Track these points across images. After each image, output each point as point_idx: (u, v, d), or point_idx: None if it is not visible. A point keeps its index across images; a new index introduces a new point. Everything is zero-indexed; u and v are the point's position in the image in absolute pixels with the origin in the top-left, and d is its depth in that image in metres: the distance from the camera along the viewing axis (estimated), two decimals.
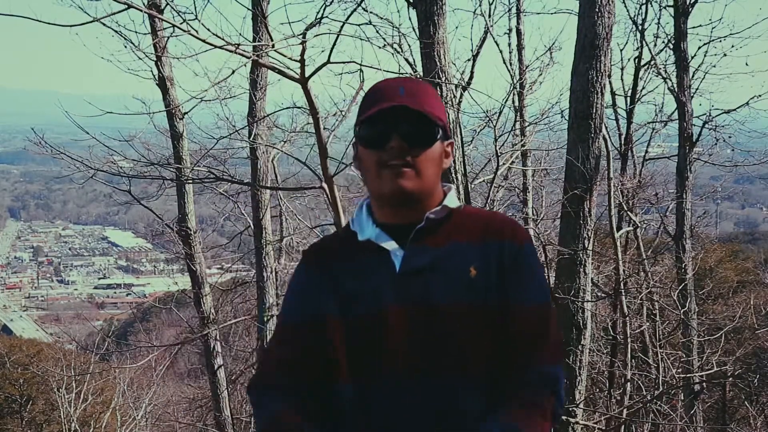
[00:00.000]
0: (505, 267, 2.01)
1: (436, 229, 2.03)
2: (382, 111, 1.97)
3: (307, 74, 6.04)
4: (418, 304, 1.96)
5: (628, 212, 12.17)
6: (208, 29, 5.95)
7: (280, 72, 6.23)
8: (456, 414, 1.95)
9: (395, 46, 8.04)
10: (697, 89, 13.84)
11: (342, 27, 6.39)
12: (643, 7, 13.86)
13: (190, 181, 10.95)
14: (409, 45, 8.19)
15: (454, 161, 7.78)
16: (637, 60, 14.25)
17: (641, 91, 14.35)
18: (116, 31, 9.83)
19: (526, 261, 2.04)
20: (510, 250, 2.02)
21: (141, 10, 7.21)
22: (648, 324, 11.25)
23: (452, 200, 2.08)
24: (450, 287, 1.97)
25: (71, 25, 6.12)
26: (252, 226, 11.87)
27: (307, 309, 2.07)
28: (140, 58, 10.27)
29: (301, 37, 6.02)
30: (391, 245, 2.02)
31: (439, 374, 1.95)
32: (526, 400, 1.95)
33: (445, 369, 1.95)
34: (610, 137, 11.05)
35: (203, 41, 5.89)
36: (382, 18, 7.98)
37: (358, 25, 7.19)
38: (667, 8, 13.72)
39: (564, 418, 7.56)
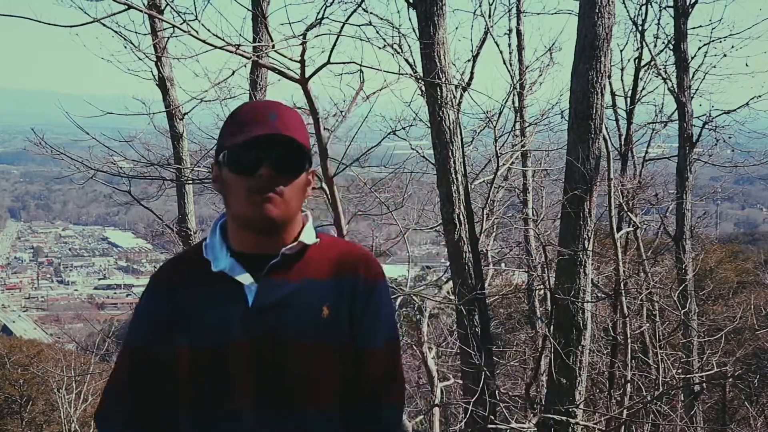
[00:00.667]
0: (356, 304, 2.00)
1: (291, 263, 2.01)
2: (257, 137, 1.92)
3: (307, 75, 6.04)
4: (267, 339, 1.94)
5: (628, 213, 12.17)
6: (209, 30, 5.96)
7: (280, 72, 6.23)
8: None
9: (395, 46, 8.04)
10: (697, 90, 13.86)
11: (342, 27, 6.39)
12: (643, 7, 13.88)
13: (190, 182, 10.94)
14: (409, 45, 8.19)
15: (454, 162, 7.79)
16: (637, 60, 14.26)
17: (641, 91, 14.36)
18: (116, 32, 9.83)
19: (379, 300, 2.04)
20: (363, 287, 2.02)
21: (141, 11, 7.21)
22: (648, 325, 11.24)
23: (309, 235, 2.06)
24: (301, 324, 1.96)
25: (71, 26, 6.12)
26: None
27: (150, 336, 2.04)
28: (140, 59, 10.26)
29: (301, 37, 6.02)
30: (245, 278, 1.98)
31: (285, 410, 1.95)
32: None
33: (290, 405, 1.94)
34: (610, 138, 11.05)
35: (203, 42, 5.89)
36: (382, 19, 7.99)
37: (359, 25, 7.20)
38: (667, 9, 13.75)
39: (564, 419, 7.56)
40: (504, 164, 9.97)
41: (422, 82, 7.86)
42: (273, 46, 6.38)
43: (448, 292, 10.00)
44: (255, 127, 1.94)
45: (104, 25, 8.66)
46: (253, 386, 1.94)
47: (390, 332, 2.06)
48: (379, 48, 7.63)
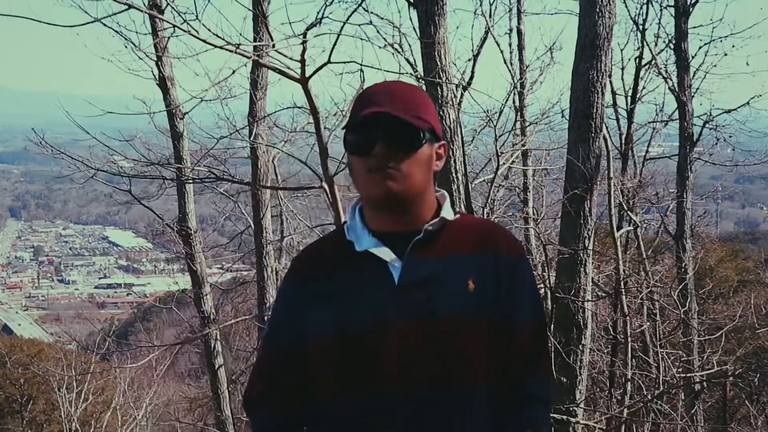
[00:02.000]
0: (501, 281, 2.02)
1: (433, 239, 2.03)
2: (366, 118, 1.98)
3: (307, 74, 6.04)
4: (420, 316, 1.95)
5: (629, 212, 12.17)
6: (209, 29, 5.96)
7: (281, 72, 6.23)
8: (461, 428, 1.95)
9: (396, 46, 8.04)
10: (697, 89, 13.86)
11: (342, 27, 6.39)
12: (644, 7, 13.88)
13: (191, 181, 10.95)
14: (409, 45, 8.19)
15: (455, 161, 7.78)
16: (637, 60, 14.26)
17: (642, 90, 14.36)
18: (117, 32, 9.85)
19: (524, 277, 2.07)
20: (506, 264, 2.04)
21: (141, 11, 7.22)
22: (648, 323, 11.24)
23: (448, 211, 2.08)
24: (451, 299, 1.97)
25: (72, 26, 6.12)
26: (252, 226, 11.87)
27: (294, 326, 2.07)
28: (141, 59, 10.27)
29: (301, 37, 6.02)
30: (389, 256, 2.00)
31: (445, 387, 1.94)
32: (528, 416, 2.03)
33: (452, 382, 1.95)
34: (610, 137, 11.06)
35: (204, 41, 5.90)
36: (382, 18, 7.98)
37: (359, 25, 7.19)
38: (667, 8, 13.74)
39: (564, 418, 7.56)
40: (504, 163, 9.96)
41: (423, 82, 7.86)
42: (273, 46, 6.38)
43: None
44: (369, 108, 1.98)
45: (105, 24, 8.70)
46: (405, 365, 1.94)
47: (538, 307, 2.09)
48: (380, 47, 7.64)
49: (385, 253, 2.00)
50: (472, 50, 10.04)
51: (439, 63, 7.35)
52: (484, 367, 1.97)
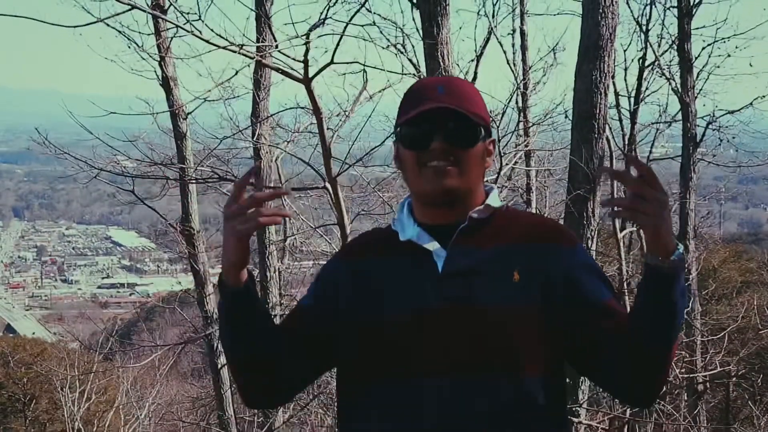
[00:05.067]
0: (562, 267, 1.97)
1: (478, 229, 2.00)
2: (423, 113, 1.95)
3: (310, 74, 6.05)
4: (462, 305, 1.93)
5: None
6: (212, 30, 5.97)
7: (284, 72, 6.24)
8: (503, 415, 1.91)
9: (399, 46, 8.04)
10: (701, 90, 13.85)
11: (345, 27, 6.39)
12: (647, 7, 13.87)
13: (194, 181, 10.96)
14: (412, 45, 8.19)
15: None
16: (641, 60, 14.24)
17: (645, 91, 14.34)
18: (120, 32, 9.87)
19: (585, 259, 2.03)
20: (565, 251, 2.00)
21: (144, 11, 7.24)
22: None
23: (495, 200, 2.05)
24: (494, 290, 1.93)
25: (75, 26, 6.14)
26: None
27: (328, 294, 2.07)
28: (144, 59, 10.29)
29: (304, 37, 6.02)
30: (433, 245, 1.98)
31: (480, 378, 1.91)
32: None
33: (485, 372, 1.91)
34: (613, 138, 11.06)
35: (207, 42, 5.91)
36: (385, 18, 7.98)
37: (362, 25, 7.19)
38: (671, 9, 13.74)
39: (568, 418, 7.55)
40: (507, 164, 9.95)
41: None
42: (276, 46, 6.39)
43: None
44: (424, 103, 1.95)
45: (108, 25, 8.69)
46: (445, 351, 1.91)
47: (611, 286, 2.04)
48: (383, 48, 7.64)
49: (430, 244, 1.98)
50: (475, 51, 10.05)
51: (442, 63, 7.34)
52: (527, 359, 1.92)
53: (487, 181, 9.70)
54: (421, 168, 1.96)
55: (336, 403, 2.13)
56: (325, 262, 2.23)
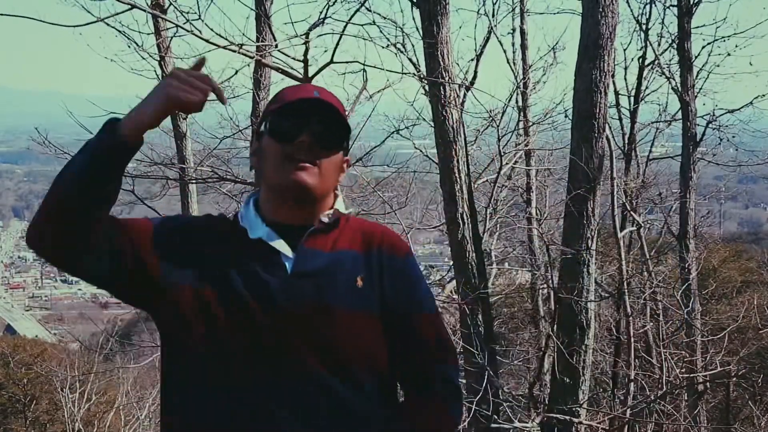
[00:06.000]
0: (387, 277, 2.04)
1: (325, 233, 2.05)
2: (298, 102, 1.99)
3: (310, 74, 6.05)
4: (311, 305, 1.95)
5: (632, 212, 12.15)
6: (212, 29, 5.98)
7: (284, 72, 6.24)
8: (336, 415, 1.94)
9: (398, 45, 8.06)
10: (701, 89, 13.83)
11: (345, 27, 6.40)
12: (647, 6, 13.85)
13: (194, 181, 10.95)
14: (412, 45, 8.21)
15: (458, 161, 7.79)
16: (640, 59, 14.23)
17: (645, 90, 14.33)
18: (120, 31, 9.84)
19: (412, 273, 2.10)
20: (392, 263, 2.06)
21: (144, 11, 7.23)
22: (651, 324, 11.23)
23: (341, 205, 2.10)
24: (340, 292, 1.98)
25: (75, 26, 6.14)
26: None
27: (171, 246, 2.02)
28: (144, 59, 10.27)
29: (304, 37, 6.03)
30: (282, 246, 2.00)
31: (327, 374, 1.94)
32: (435, 404, 2.05)
33: (334, 370, 1.94)
34: (613, 137, 11.05)
35: (207, 41, 5.91)
36: (385, 18, 8.00)
37: (362, 24, 7.21)
38: (671, 8, 13.72)
39: (567, 418, 7.55)
40: (507, 163, 9.97)
41: (425, 82, 7.86)
42: (276, 46, 6.40)
43: (451, 291, 10.01)
44: (300, 96, 2.01)
45: (108, 24, 8.67)
46: (287, 345, 1.93)
47: (432, 300, 2.13)
48: (383, 47, 7.67)
49: (279, 244, 2.00)
50: (475, 50, 10.07)
51: (441, 63, 7.35)
52: (372, 361, 1.99)
53: (483, 181, 9.70)
54: (284, 161, 1.97)
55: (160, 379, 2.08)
56: (164, 216, 2.18)
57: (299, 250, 2.00)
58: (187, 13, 6.58)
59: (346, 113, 2.10)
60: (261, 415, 1.91)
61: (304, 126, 1.97)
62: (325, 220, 2.04)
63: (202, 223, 2.12)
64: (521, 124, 12.58)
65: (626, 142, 14.08)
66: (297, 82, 6.15)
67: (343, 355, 1.95)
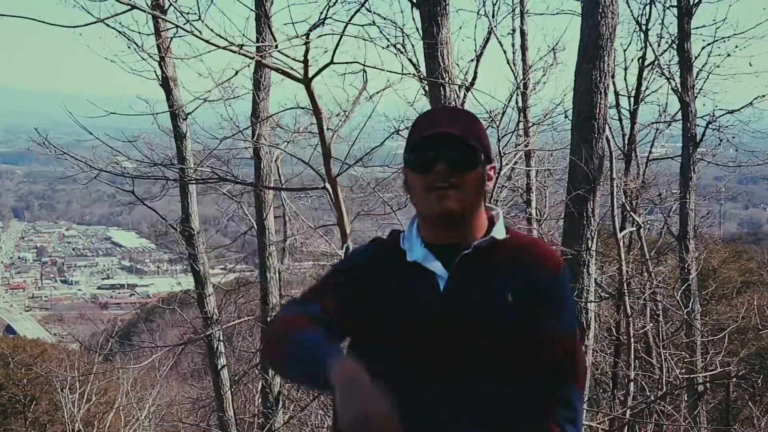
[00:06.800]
0: (538, 297, 2.17)
1: (479, 255, 2.18)
2: (427, 138, 2.14)
3: (310, 75, 6.05)
4: (460, 320, 2.12)
5: (632, 212, 12.16)
6: (212, 30, 5.98)
7: (284, 72, 6.24)
8: (495, 413, 2.11)
9: (399, 46, 8.05)
10: (700, 89, 13.84)
11: (345, 27, 6.40)
12: (647, 7, 13.87)
13: (194, 182, 10.96)
14: (412, 45, 8.20)
15: None
16: (640, 60, 14.24)
17: (645, 91, 14.35)
18: (120, 32, 9.85)
19: (559, 292, 2.23)
20: (544, 282, 2.19)
21: (144, 11, 7.23)
22: (651, 324, 11.24)
23: (500, 231, 2.23)
24: (489, 309, 2.13)
25: (75, 26, 6.14)
26: (255, 227, 11.87)
27: (349, 274, 2.25)
28: (144, 59, 10.26)
29: (304, 37, 6.02)
30: (436, 267, 2.17)
31: (480, 379, 2.11)
32: (550, 428, 2.19)
33: (487, 376, 2.11)
34: (613, 137, 11.06)
35: (207, 42, 5.91)
36: (385, 18, 7.99)
37: (362, 25, 7.20)
38: (670, 8, 13.73)
39: None
40: (507, 164, 9.95)
41: (425, 82, 7.86)
42: (276, 46, 6.39)
43: None
44: (429, 130, 2.15)
45: (108, 25, 8.69)
46: (445, 359, 2.10)
47: (571, 321, 2.27)
48: (383, 48, 7.66)
49: (434, 265, 2.17)
50: (475, 51, 10.05)
51: (441, 63, 7.34)
52: (516, 366, 2.14)
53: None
54: (427, 191, 2.14)
55: None
56: (337, 264, 2.42)
57: (452, 271, 2.16)
58: (187, 13, 6.57)
59: (479, 128, 2.21)
60: (435, 424, 2.11)
61: (437, 156, 2.12)
62: (479, 245, 2.18)
63: (369, 258, 2.30)
64: (521, 125, 12.56)
65: (626, 142, 14.08)
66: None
67: (491, 360, 2.11)
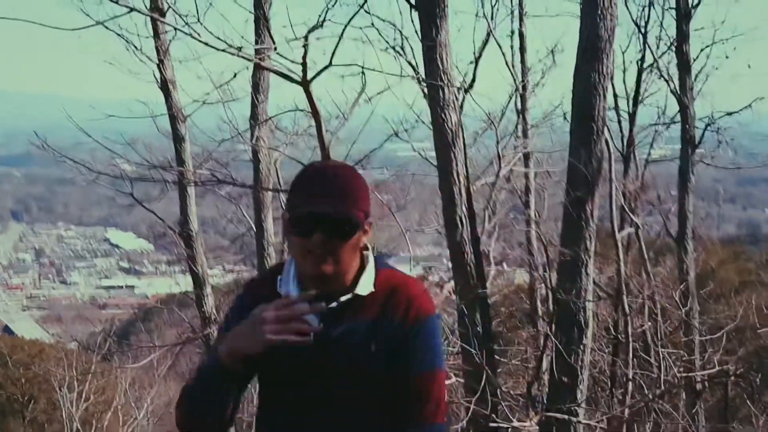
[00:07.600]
0: (397, 345, 2.33)
1: (348, 305, 2.34)
2: (307, 215, 2.26)
3: (309, 77, 6.07)
4: (324, 367, 2.32)
5: (630, 214, 12.17)
6: (211, 32, 5.99)
7: (283, 75, 6.26)
8: None
9: (397, 48, 8.06)
10: (699, 91, 13.84)
11: (344, 30, 6.42)
12: (646, 9, 13.87)
13: (192, 184, 10.97)
14: (411, 47, 8.20)
15: (456, 164, 7.81)
16: (639, 62, 14.24)
17: (644, 93, 14.34)
18: (119, 35, 9.84)
19: (423, 336, 2.36)
20: (404, 331, 2.34)
21: (144, 14, 7.25)
22: (650, 323, 11.25)
23: (365, 284, 2.36)
24: (352, 357, 2.31)
25: (74, 29, 6.16)
26: (254, 228, 11.88)
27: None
28: (143, 62, 10.28)
29: (303, 39, 6.04)
30: (310, 318, 2.28)
31: (338, 414, 2.34)
32: None
33: (341, 416, 2.34)
34: (612, 139, 11.06)
35: (205, 44, 5.93)
36: (384, 20, 8.00)
37: (361, 27, 7.22)
38: (669, 10, 13.73)
39: (566, 417, 7.57)
40: (506, 166, 9.97)
41: (424, 84, 7.88)
42: (275, 49, 6.41)
43: (449, 292, 10.01)
44: (311, 200, 2.25)
45: (107, 27, 8.68)
46: (307, 400, 2.36)
47: (432, 361, 2.38)
48: (382, 50, 7.67)
49: (308, 318, 2.30)
50: (474, 53, 10.05)
51: (440, 66, 7.37)
52: (374, 407, 2.35)
53: (482, 184, 9.64)
54: (305, 254, 2.28)
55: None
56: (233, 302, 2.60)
57: (322, 320, 2.29)
58: (186, 16, 6.58)
59: (353, 192, 2.30)
60: None
61: (315, 228, 2.24)
62: (342, 300, 2.33)
63: (246, 305, 2.40)
64: (520, 127, 12.59)
65: (625, 144, 14.09)
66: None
67: (352, 403, 2.33)
